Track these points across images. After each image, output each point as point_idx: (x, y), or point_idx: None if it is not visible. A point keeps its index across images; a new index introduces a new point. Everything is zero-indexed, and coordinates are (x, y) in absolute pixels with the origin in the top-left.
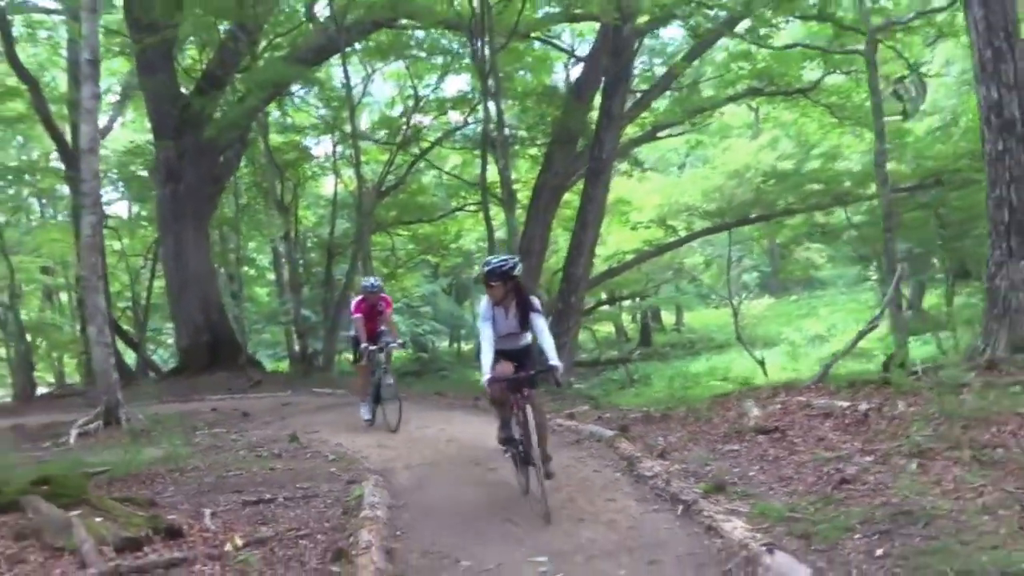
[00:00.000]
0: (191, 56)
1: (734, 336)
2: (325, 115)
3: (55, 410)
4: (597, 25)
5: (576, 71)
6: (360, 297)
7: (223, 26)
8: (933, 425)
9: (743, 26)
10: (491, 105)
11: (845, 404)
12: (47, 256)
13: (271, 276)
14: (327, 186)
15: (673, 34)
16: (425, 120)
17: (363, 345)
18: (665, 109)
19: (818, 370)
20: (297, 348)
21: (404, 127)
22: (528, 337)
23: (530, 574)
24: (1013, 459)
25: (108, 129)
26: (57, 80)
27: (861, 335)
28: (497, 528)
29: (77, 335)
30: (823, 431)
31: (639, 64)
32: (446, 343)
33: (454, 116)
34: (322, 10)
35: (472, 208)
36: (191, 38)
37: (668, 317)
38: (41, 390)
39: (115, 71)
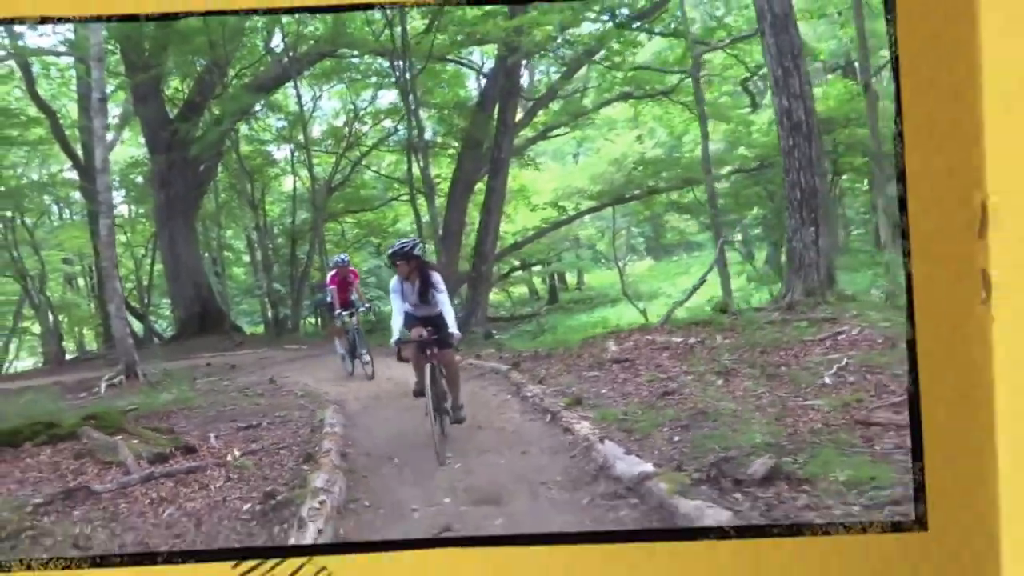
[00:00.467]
0: (175, 87)
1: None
2: (283, 128)
3: (83, 370)
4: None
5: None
6: (334, 271)
7: (200, 61)
8: (740, 352)
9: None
10: (413, 117)
11: (679, 339)
12: (67, 249)
13: (246, 258)
14: (287, 184)
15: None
16: (364, 128)
17: (337, 311)
18: (556, 111)
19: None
20: (270, 315)
21: (347, 135)
22: (440, 306)
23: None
24: (790, 374)
25: (112, 146)
26: (67, 108)
27: (694, 289)
28: (420, 439)
29: (93, 311)
30: (660, 360)
31: (538, 73)
32: (388, 307)
33: (388, 123)
34: (278, 44)
35: (404, 199)
36: (173, 72)
37: (572, 279)
38: (68, 356)
39: (116, 97)
